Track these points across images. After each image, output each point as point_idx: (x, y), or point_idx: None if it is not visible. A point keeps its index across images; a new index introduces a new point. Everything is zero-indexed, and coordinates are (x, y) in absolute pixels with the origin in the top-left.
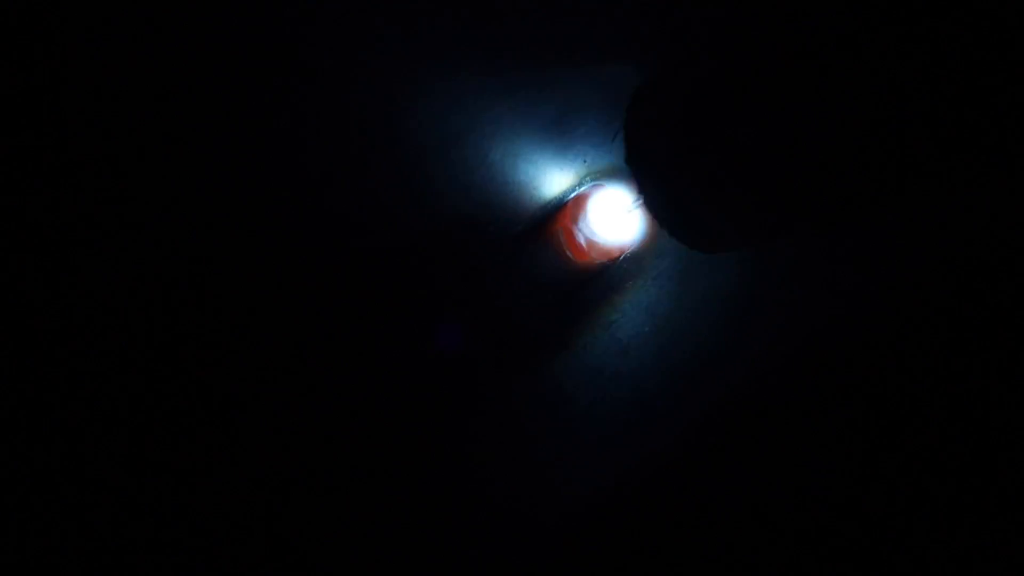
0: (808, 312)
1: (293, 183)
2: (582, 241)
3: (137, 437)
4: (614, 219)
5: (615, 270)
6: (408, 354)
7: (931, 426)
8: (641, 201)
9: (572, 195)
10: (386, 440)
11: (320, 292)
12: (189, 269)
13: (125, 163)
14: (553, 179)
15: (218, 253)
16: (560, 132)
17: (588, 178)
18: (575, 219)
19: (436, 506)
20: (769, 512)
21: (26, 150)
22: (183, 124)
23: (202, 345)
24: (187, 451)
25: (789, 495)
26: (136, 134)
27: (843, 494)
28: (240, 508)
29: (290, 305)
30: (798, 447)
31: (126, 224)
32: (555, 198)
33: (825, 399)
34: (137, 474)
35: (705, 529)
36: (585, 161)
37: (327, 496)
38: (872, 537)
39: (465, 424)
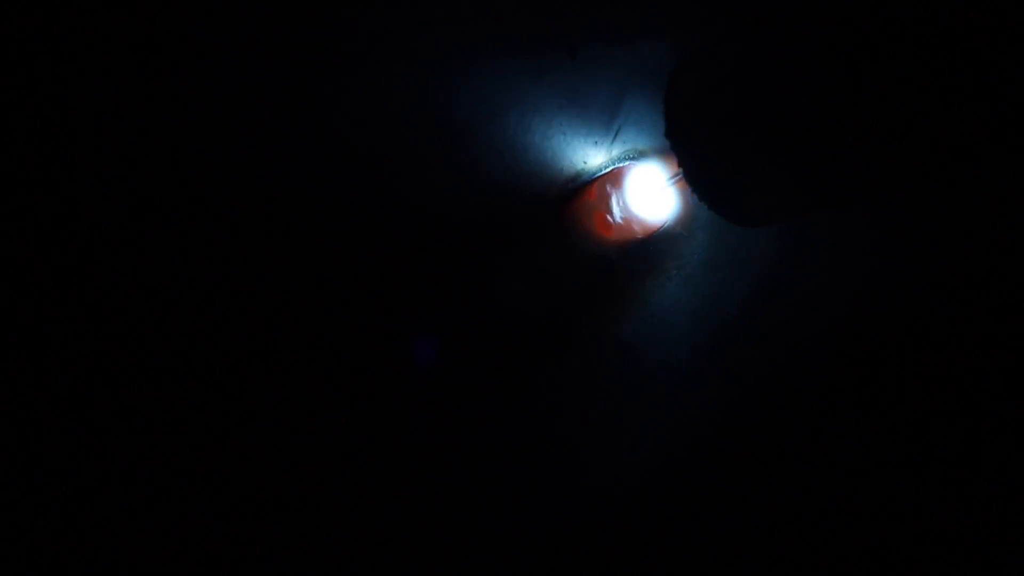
0: (842, 286)
1: (337, 160)
2: (618, 216)
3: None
4: (650, 195)
5: (649, 245)
6: (449, 324)
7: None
8: (680, 175)
9: (607, 171)
10: (424, 417)
11: (368, 264)
12: (238, 240)
13: (169, 125)
14: (589, 155)
15: (263, 222)
16: (597, 109)
17: (624, 155)
18: (611, 194)
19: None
20: (800, 481)
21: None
22: (235, 102)
23: (258, 308)
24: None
25: (823, 466)
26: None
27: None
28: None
29: (339, 275)
30: (833, 421)
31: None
32: (591, 173)
33: (859, 370)
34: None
35: (741, 492)
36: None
37: (416, 448)
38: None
39: (504, 394)
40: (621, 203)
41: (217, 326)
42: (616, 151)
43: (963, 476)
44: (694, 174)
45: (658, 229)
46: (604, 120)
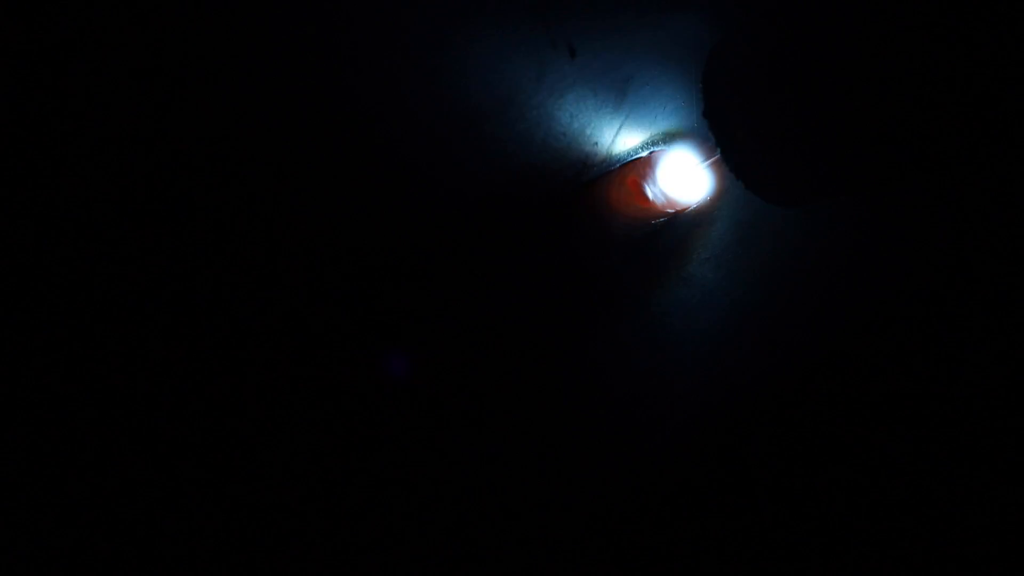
0: (878, 266)
1: (359, 141)
2: (650, 197)
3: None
4: (683, 176)
5: (682, 225)
6: (481, 306)
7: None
8: (717, 155)
9: (641, 153)
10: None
11: (395, 244)
12: (258, 219)
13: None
14: (620, 137)
15: (284, 203)
16: (628, 89)
17: (657, 136)
18: (644, 176)
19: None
20: (835, 456)
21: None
22: (247, 83)
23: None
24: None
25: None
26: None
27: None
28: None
29: (368, 253)
30: (868, 402)
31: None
32: (623, 155)
33: (891, 354)
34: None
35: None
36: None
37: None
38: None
39: (540, 375)
40: (654, 184)
41: (243, 313)
42: (649, 133)
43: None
44: (731, 153)
45: (690, 209)
46: (635, 101)
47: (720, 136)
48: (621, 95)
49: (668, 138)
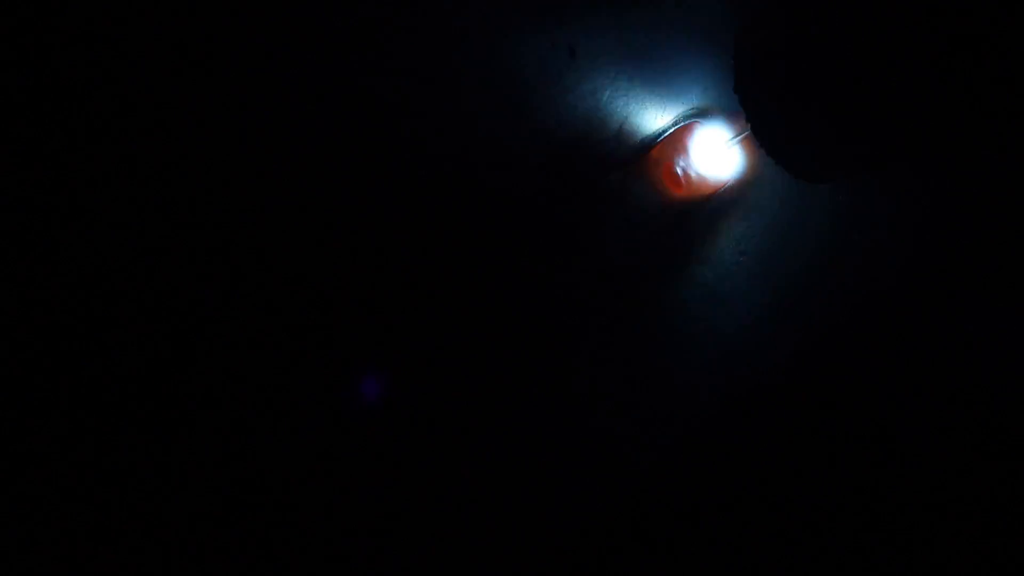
0: (906, 244)
1: (405, 122)
2: (681, 174)
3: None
4: (714, 154)
5: (714, 203)
6: (516, 285)
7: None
8: (747, 131)
9: (671, 130)
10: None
11: (431, 225)
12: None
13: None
14: (653, 116)
15: (332, 181)
16: (658, 66)
17: (687, 114)
18: (676, 153)
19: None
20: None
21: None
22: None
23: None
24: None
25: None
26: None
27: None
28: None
29: (405, 233)
30: (902, 381)
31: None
32: (655, 133)
33: (917, 330)
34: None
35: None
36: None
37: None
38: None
39: (574, 349)
40: (685, 162)
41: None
42: (680, 111)
43: None
44: (762, 129)
45: (722, 187)
46: (666, 78)
47: (750, 111)
48: (651, 72)
49: (698, 115)
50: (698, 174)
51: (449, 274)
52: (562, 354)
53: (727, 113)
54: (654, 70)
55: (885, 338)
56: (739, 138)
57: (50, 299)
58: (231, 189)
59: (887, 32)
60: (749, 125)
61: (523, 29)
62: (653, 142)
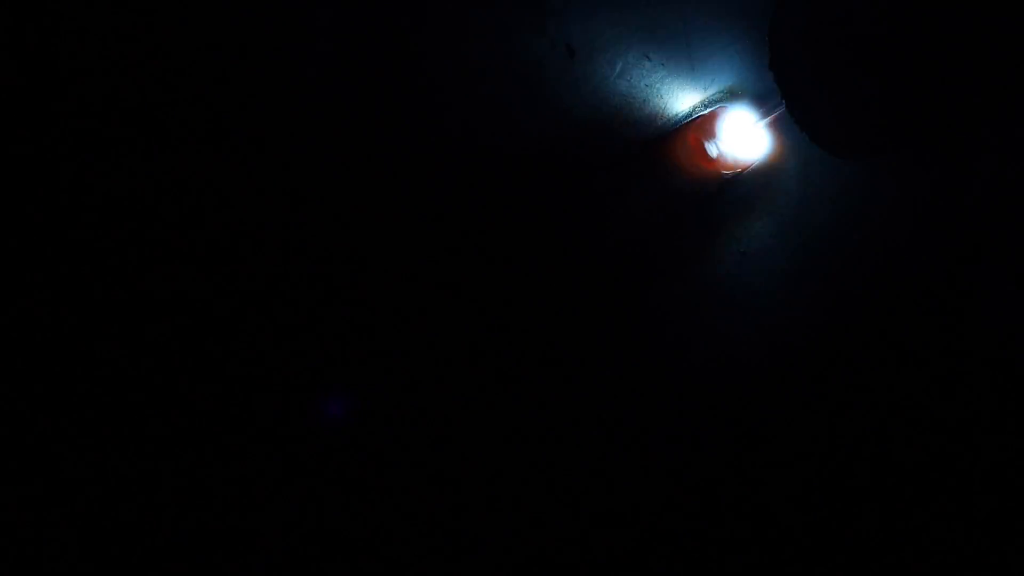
0: (938, 220)
1: (435, 105)
2: (712, 155)
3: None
4: (745, 133)
5: (744, 183)
6: (552, 259)
7: None
8: (781, 108)
9: (702, 112)
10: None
11: (467, 204)
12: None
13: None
14: (682, 96)
15: (352, 160)
16: (691, 45)
17: (717, 94)
18: (706, 133)
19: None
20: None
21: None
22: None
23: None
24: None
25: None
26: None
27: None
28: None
29: (437, 213)
30: (920, 364)
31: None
32: (685, 114)
33: (954, 305)
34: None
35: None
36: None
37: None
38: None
39: (607, 324)
40: (716, 142)
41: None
42: (712, 90)
43: None
44: (796, 105)
45: (752, 167)
46: (699, 58)
47: (785, 88)
48: (682, 52)
49: (730, 95)
50: (730, 154)
51: (502, 240)
52: (595, 326)
53: (756, 93)
54: (685, 50)
55: (923, 315)
56: (771, 117)
57: None
58: (241, 189)
59: (926, 7)
60: (783, 103)
61: (559, 12)
62: (683, 122)
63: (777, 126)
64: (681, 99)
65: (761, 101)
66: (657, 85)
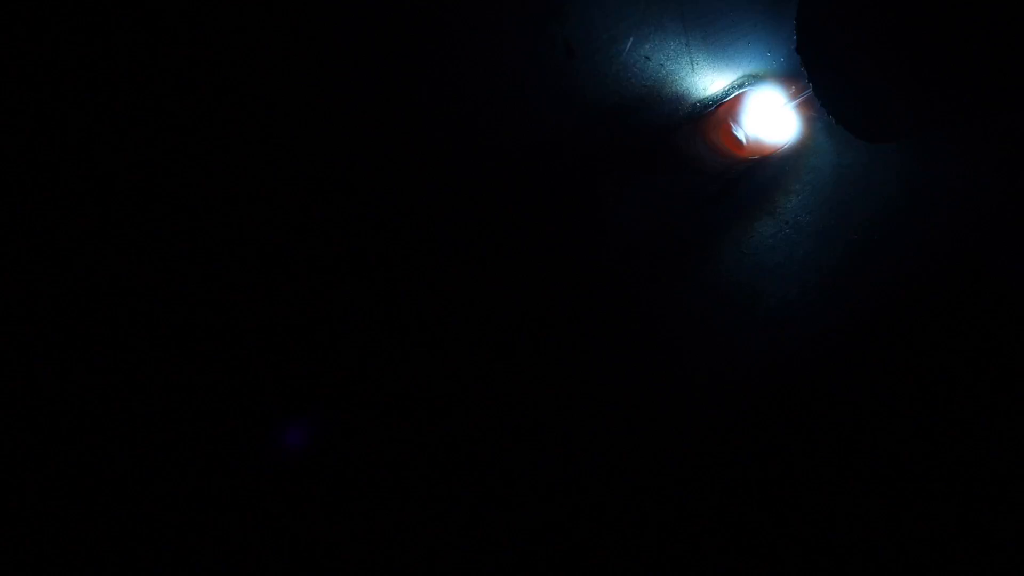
0: (967, 204)
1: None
2: (739, 138)
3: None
4: (772, 116)
5: (771, 166)
6: (579, 245)
7: None
8: (808, 92)
9: (731, 94)
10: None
11: (494, 189)
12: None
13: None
14: (711, 78)
15: (370, 152)
16: (718, 30)
17: (742, 79)
18: (733, 116)
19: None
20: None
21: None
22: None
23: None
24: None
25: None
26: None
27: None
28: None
29: (462, 199)
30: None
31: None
32: (711, 99)
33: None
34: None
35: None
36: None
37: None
38: None
39: (633, 307)
40: (743, 125)
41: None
42: (739, 74)
43: None
44: (822, 88)
45: (779, 150)
46: (725, 42)
47: (812, 70)
48: (710, 37)
49: (757, 79)
50: (757, 138)
51: (508, 232)
52: (623, 308)
53: (783, 77)
54: (713, 34)
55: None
56: (798, 100)
57: None
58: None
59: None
60: (810, 86)
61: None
62: (711, 105)
63: (805, 109)
64: (710, 83)
65: (790, 84)
66: (687, 69)
